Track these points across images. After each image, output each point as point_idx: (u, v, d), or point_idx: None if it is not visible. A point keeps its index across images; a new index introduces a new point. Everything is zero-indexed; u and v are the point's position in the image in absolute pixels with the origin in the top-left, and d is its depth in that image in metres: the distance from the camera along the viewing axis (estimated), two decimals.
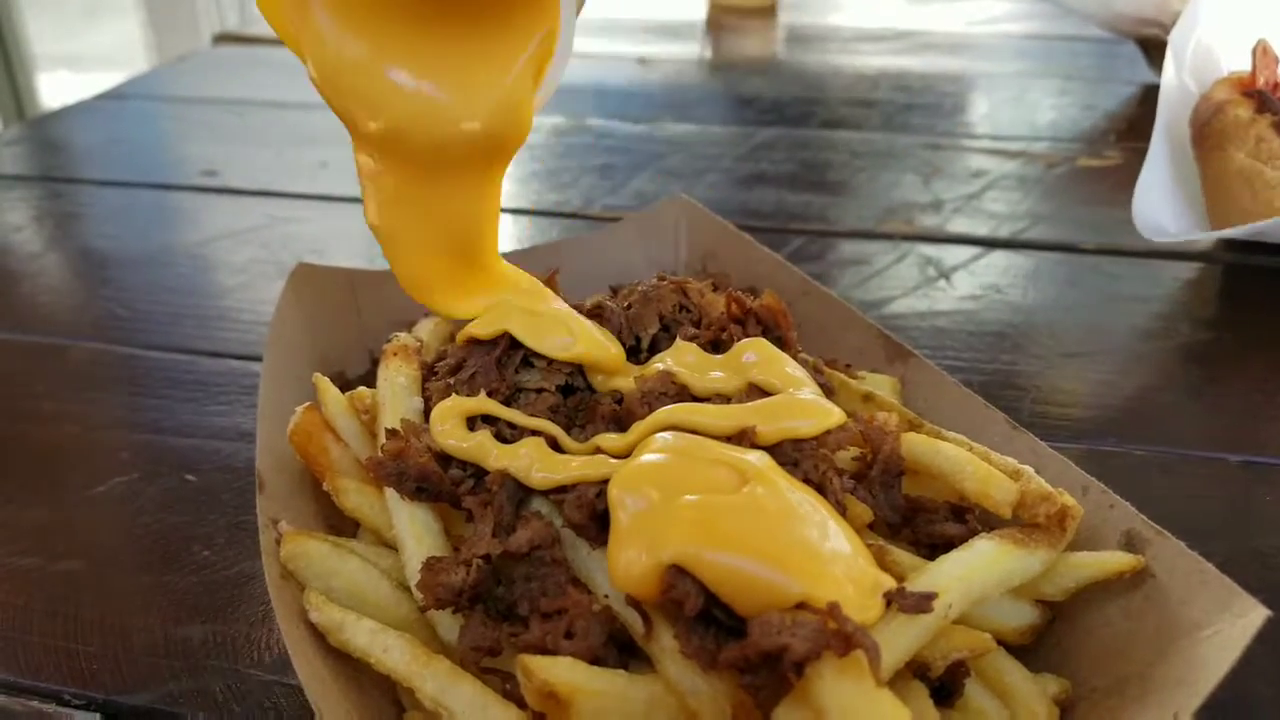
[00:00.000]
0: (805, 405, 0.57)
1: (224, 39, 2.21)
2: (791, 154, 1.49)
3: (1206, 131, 1.08)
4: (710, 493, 0.49)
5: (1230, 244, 1.08)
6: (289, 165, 1.47)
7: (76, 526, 0.76)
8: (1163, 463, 0.79)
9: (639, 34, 2.16)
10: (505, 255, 0.92)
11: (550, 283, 0.76)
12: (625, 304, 0.70)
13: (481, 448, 0.58)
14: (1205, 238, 1.04)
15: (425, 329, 0.77)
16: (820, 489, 0.55)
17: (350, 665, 0.54)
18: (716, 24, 2.26)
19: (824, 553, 0.47)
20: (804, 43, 2.14)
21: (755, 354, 0.62)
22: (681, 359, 0.63)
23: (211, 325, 1.04)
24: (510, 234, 1.27)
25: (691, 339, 0.67)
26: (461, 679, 0.50)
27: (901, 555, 0.55)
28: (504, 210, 1.31)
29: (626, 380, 0.64)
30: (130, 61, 3.48)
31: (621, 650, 0.51)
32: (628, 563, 0.48)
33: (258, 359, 0.74)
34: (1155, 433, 0.82)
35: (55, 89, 3.64)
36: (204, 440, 0.84)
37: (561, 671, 0.45)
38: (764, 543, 0.46)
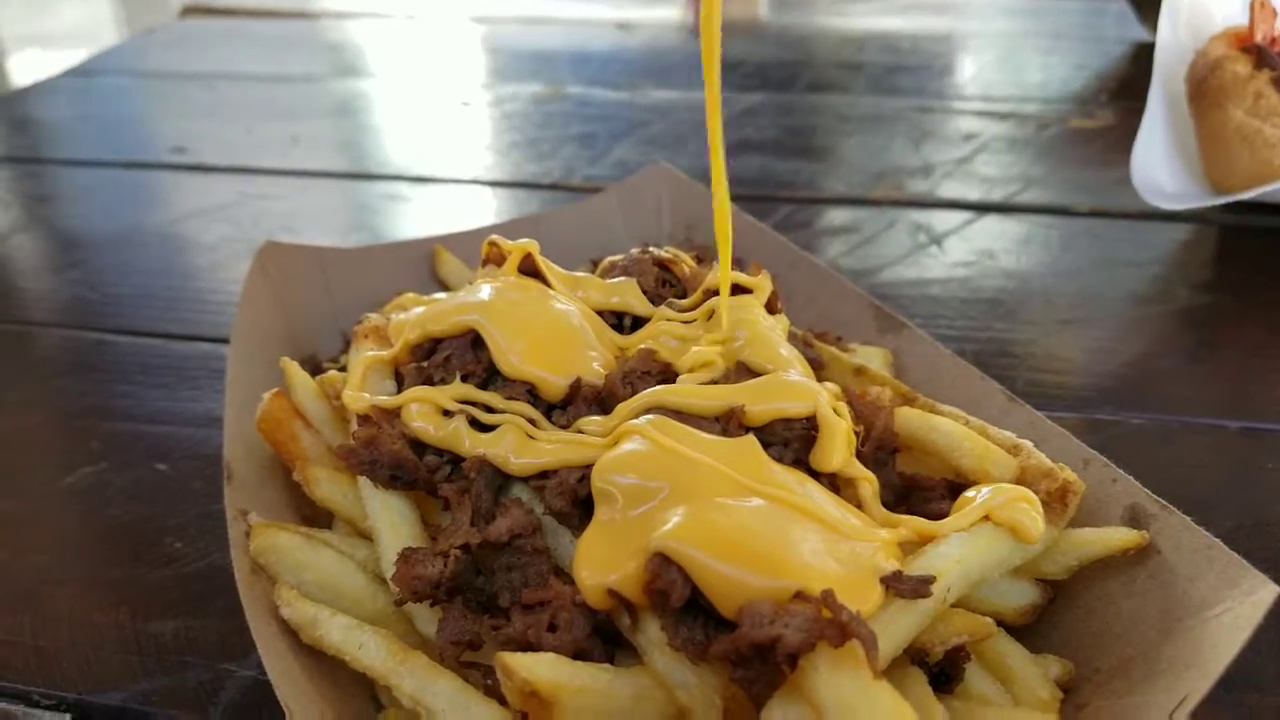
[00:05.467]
0: (795, 386, 0.55)
1: (192, 11, 2.16)
2: (777, 119, 1.45)
3: (1203, 88, 1.05)
4: (698, 481, 0.47)
5: (1227, 205, 1.05)
6: (260, 140, 1.43)
7: (44, 518, 0.73)
8: (1162, 431, 0.77)
9: None
10: (483, 230, 0.91)
11: (530, 258, 0.73)
12: (606, 277, 0.68)
13: (456, 434, 0.55)
14: (1212, 203, 1.01)
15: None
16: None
17: (325, 662, 0.52)
18: None
19: (816, 549, 0.44)
20: (788, 4, 2.11)
21: (743, 331, 0.60)
22: (665, 337, 0.61)
23: (183, 307, 1.01)
24: (489, 207, 1.24)
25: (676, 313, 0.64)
26: (440, 675, 0.48)
27: (912, 520, 0.52)
28: (481, 183, 1.29)
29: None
30: (100, 38, 3.40)
31: (608, 642, 0.49)
32: (611, 553, 0.46)
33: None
34: (1153, 400, 0.80)
35: (24, 69, 3.56)
36: (176, 427, 0.82)
37: (543, 670, 0.42)
38: (754, 540, 0.44)
